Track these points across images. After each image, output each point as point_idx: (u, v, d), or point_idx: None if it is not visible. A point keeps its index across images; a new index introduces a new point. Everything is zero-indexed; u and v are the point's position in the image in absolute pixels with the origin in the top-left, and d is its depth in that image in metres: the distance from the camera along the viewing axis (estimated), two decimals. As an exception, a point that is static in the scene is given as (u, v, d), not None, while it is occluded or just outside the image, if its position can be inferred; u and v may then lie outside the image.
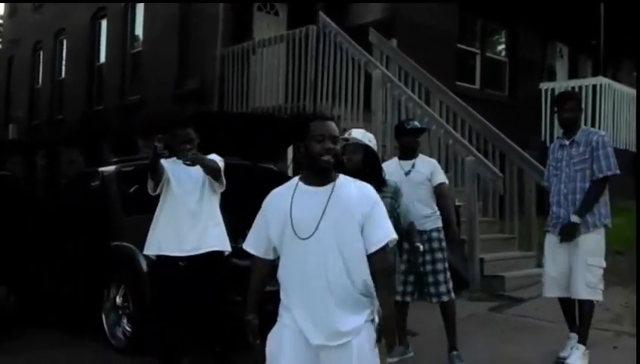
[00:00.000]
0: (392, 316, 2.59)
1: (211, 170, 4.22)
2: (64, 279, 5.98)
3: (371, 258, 2.50)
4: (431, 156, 5.60)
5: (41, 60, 16.37)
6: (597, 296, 4.46)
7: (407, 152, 4.71)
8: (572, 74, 13.51)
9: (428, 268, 4.58)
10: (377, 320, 2.54)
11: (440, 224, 4.67)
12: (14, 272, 6.11)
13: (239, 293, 4.72)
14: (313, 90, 8.56)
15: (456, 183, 7.28)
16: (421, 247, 4.24)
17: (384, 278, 2.55)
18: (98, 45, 13.77)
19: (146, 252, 4.39)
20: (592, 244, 4.47)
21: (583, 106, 5.44)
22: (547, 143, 9.24)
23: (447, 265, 4.65)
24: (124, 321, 5.19)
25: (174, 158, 4.30)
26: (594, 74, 11.50)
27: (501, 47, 12.79)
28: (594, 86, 10.32)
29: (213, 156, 4.30)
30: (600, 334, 4.97)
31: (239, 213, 4.02)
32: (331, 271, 2.46)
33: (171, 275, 4.26)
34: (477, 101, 9.36)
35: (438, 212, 4.68)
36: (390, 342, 2.59)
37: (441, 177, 4.76)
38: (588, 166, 4.49)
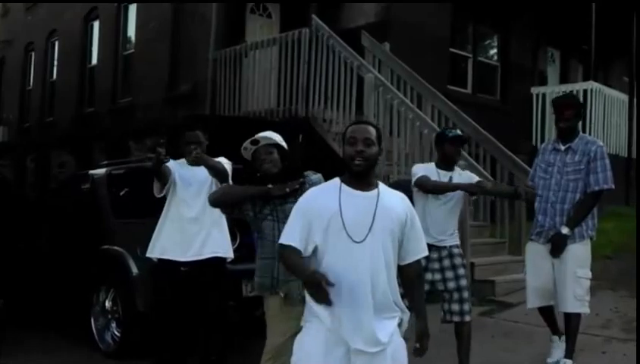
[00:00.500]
0: (426, 322, 2.75)
1: (215, 171, 4.16)
2: (54, 282, 5.95)
3: (409, 267, 2.68)
4: (422, 160, 5.58)
5: (32, 61, 16.28)
6: (584, 309, 4.38)
7: (447, 162, 4.48)
8: (564, 79, 13.55)
9: (451, 285, 4.30)
10: (405, 324, 2.65)
11: (458, 241, 4.51)
12: (2, 275, 6.07)
13: (231, 298, 4.73)
14: (305, 94, 8.55)
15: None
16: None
17: (421, 287, 2.81)
18: (90, 46, 13.70)
19: (149, 254, 4.36)
20: (581, 255, 4.38)
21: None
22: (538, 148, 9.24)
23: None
24: (113, 325, 5.17)
25: (182, 160, 4.26)
26: (585, 79, 11.55)
27: (493, 51, 12.81)
28: (585, 91, 10.35)
29: (221, 159, 4.26)
30: (590, 339, 4.98)
31: (234, 217, 4.00)
32: (376, 276, 2.52)
33: (173, 279, 4.27)
34: (469, 106, 9.39)
35: (457, 231, 4.54)
36: (425, 346, 2.72)
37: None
38: (581, 177, 4.33)
